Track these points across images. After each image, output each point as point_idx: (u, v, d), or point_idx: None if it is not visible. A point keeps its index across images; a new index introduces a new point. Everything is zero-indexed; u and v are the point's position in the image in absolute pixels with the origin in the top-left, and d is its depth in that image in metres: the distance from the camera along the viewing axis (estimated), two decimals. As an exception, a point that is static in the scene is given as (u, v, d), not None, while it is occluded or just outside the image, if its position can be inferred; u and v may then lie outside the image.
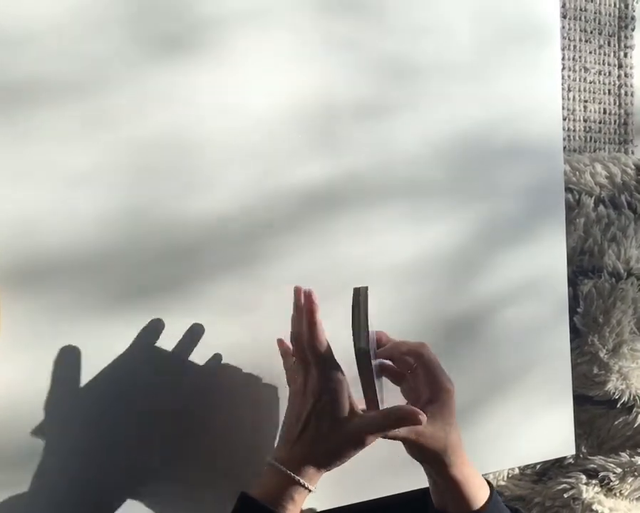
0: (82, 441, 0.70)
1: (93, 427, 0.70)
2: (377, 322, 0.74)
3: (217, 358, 0.76)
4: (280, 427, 0.73)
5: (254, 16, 0.78)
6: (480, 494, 0.73)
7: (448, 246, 0.90)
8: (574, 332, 1.31)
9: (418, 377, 0.73)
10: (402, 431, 0.69)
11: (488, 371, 0.93)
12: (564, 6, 1.85)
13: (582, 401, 1.37)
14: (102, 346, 0.71)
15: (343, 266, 0.83)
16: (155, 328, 0.73)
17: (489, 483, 0.75)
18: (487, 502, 0.72)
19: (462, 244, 0.91)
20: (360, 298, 0.67)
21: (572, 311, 1.31)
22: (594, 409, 1.39)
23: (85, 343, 0.70)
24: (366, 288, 0.68)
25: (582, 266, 1.35)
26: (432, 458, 0.71)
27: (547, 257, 0.96)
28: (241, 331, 0.77)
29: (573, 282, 1.34)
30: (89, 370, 0.70)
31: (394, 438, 0.69)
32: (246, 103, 0.78)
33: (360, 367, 0.66)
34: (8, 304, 0.66)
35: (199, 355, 0.75)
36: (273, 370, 0.78)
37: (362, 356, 0.65)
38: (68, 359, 0.69)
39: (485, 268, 0.93)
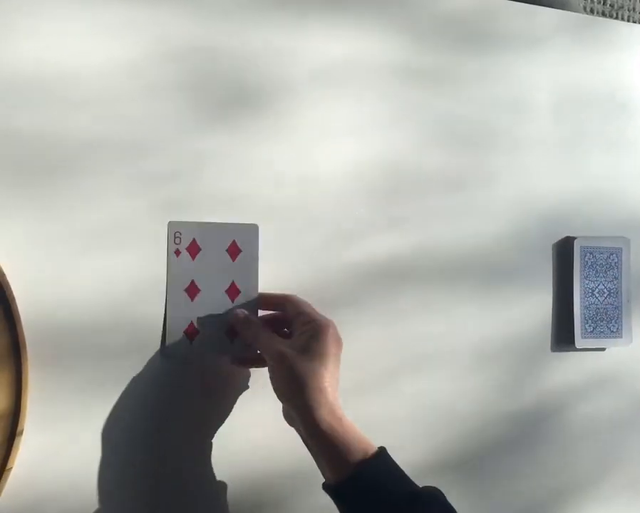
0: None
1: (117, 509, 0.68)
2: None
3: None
4: None
5: (322, 81, 0.76)
6: (357, 452, 0.61)
7: (519, 332, 0.86)
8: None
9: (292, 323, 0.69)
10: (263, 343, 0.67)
11: (561, 472, 0.87)
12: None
13: (665, 507, 1.26)
14: (135, 423, 0.69)
15: (405, 346, 0.79)
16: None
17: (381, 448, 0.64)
18: (364, 459, 0.61)
19: (534, 331, 0.87)
20: None
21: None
22: (677, 516, 1.28)
23: (115, 420, 0.68)
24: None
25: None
26: (292, 389, 0.64)
27: (627, 350, 0.90)
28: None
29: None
30: (119, 447, 0.68)
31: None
32: (309, 172, 0.76)
33: None
34: (37, 377, 0.64)
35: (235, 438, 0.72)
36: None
37: None
38: (98, 436, 0.67)
39: (559, 359, 0.88)
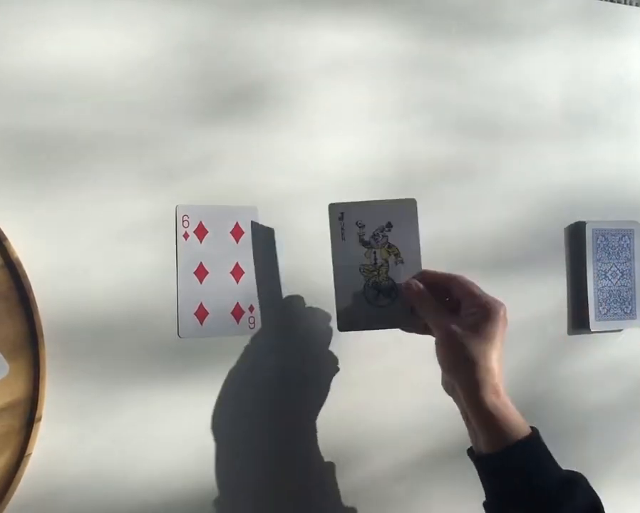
0: (124, 509, 0.68)
1: (136, 496, 0.69)
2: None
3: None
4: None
5: (329, 73, 0.77)
6: (515, 432, 0.64)
7: (535, 316, 0.86)
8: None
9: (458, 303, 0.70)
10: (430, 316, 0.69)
11: (570, 457, 0.83)
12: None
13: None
14: (152, 416, 0.69)
15: (416, 336, 0.79)
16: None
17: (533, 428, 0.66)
18: (523, 438, 0.63)
19: (550, 315, 0.87)
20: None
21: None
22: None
23: (133, 413, 0.68)
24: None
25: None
26: (461, 367, 0.66)
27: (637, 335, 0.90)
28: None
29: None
30: (138, 441, 0.69)
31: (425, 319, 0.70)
32: (319, 163, 0.76)
33: None
34: (55, 364, 0.65)
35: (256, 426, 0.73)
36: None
37: None
38: (116, 421, 0.68)
39: (576, 342, 0.88)
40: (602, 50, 0.91)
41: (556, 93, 0.88)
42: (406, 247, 0.72)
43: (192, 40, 0.71)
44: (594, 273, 0.86)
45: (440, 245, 0.80)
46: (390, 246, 0.72)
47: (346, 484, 0.76)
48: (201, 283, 0.71)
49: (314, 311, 0.75)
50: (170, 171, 0.70)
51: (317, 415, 0.75)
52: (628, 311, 0.88)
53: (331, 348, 0.76)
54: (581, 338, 0.88)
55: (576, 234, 0.88)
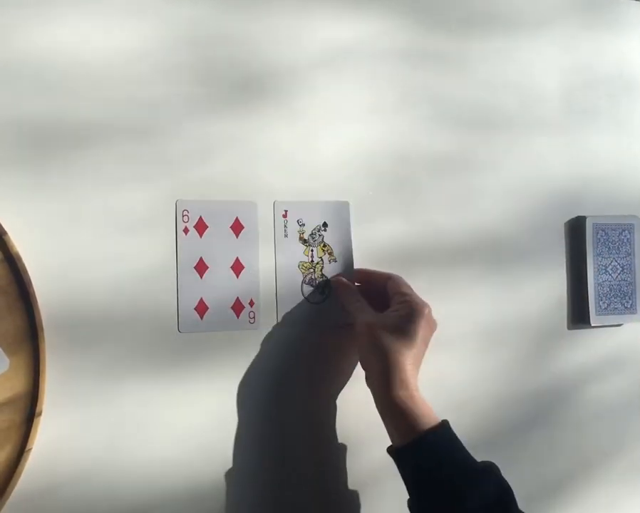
0: (124, 504, 0.68)
1: (136, 491, 0.69)
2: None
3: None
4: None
5: (328, 66, 0.77)
6: (424, 425, 0.65)
7: (535, 311, 0.85)
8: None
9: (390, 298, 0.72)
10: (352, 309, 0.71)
11: (570, 454, 0.86)
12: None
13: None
14: (152, 411, 0.69)
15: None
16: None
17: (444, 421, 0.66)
18: (431, 428, 0.64)
19: (550, 310, 0.86)
20: None
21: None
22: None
23: (133, 407, 0.68)
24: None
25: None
26: (373, 361, 0.68)
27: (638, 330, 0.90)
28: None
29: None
30: (138, 435, 0.69)
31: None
32: (317, 156, 0.76)
33: None
34: (55, 359, 0.65)
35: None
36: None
37: None
38: (116, 416, 0.68)
39: (576, 336, 0.88)
40: (602, 44, 0.91)
41: (556, 87, 0.87)
42: (339, 247, 0.76)
43: (192, 33, 0.71)
44: (594, 267, 0.86)
45: (439, 239, 0.80)
46: (325, 245, 0.75)
47: (346, 478, 0.76)
48: (201, 278, 0.71)
49: (313, 305, 0.76)
50: (171, 165, 0.70)
51: (319, 408, 0.75)
52: (629, 306, 0.88)
53: (332, 341, 0.75)
54: (582, 332, 0.87)
55: (576, 228, 0.87)
